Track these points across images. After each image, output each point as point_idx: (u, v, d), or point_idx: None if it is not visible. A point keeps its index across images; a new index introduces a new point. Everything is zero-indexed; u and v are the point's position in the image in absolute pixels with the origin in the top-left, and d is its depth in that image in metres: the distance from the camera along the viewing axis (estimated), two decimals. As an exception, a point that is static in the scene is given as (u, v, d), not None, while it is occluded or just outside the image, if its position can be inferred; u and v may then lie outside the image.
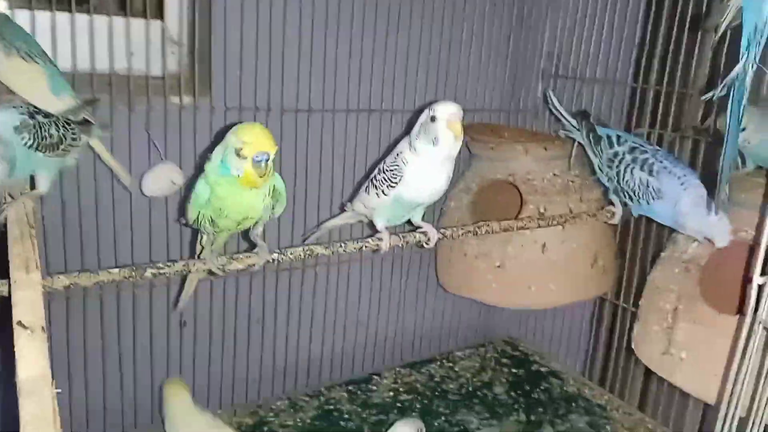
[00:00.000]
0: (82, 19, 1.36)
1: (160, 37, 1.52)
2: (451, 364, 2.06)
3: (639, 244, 1.81)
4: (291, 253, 1.07)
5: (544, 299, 1.75)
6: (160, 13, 1.56)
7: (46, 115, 1.11)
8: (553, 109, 1.64)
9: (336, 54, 1.68)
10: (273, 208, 1.05)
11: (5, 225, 0.85)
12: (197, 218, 1.04)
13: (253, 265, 1.04)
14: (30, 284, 0.71)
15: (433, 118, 1.06)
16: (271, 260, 1.05)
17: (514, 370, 2.05)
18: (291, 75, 1.63)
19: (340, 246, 1.10)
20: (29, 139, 1.04)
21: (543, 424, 1.77)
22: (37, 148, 1.05)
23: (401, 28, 1.76)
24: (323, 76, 1.68)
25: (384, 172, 1.16)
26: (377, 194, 1.17)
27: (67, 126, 1.14)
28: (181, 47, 1.59)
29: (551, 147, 1.75)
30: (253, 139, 0.93)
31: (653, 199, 1.35)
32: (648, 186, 1.35)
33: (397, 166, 1.13)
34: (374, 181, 1.19)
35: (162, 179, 1.48)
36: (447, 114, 1.05)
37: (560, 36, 1.94)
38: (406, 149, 1.14)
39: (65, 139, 1.12)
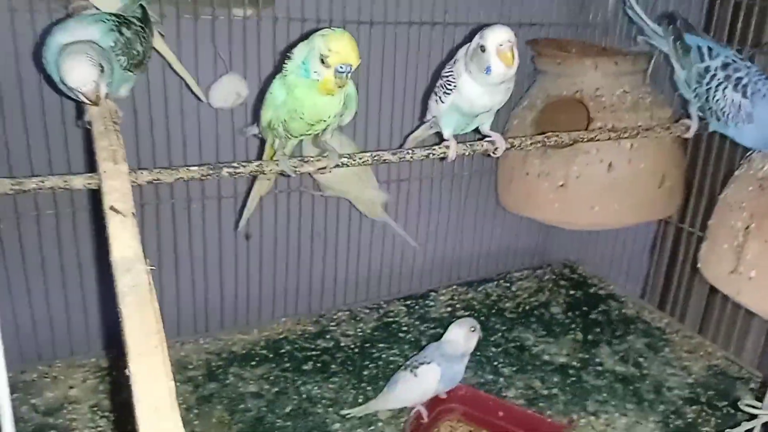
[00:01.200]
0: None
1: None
2: (508, 284, 2.08)
3: (709, 164, 1.75)
4: (360, 158, 1.07)
5: (607, 220, 1.72)
6: None
7: (128, 25, 1.09)
8: (632, 13, 1.51)
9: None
10: (343, 115, 1.06)
11: (90, 123, 0.88)
12: (270, 121, 1.05)
13: (324, 167, 1.06)
14: (119, 174, 0.74)
15: (482, 48, 1.02)
16: (340, 164, 1.06)
17: (571, 292, 2.05)
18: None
19: (408, 153, 1.10)
20: (123, 59, 1.04)
21: (599, 344, 1.78)
22: (128, 68, 1.06)
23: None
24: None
25: (441, 78, 1.14)
26: (436, 101, 1.15)
27: (144, 36, 1.13)
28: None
29: (622, 62, 1.68)
30: (341, 49, 0.93)
31: (743, 123, 1.27)
32: (740, 109, 1.26)
33: (452, 73, 1.10)
34: (435, 88, 1.17)
35: (227, 91, 1.50)
36: (497, 43, 1.01)
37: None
38: (461, 60, 1.10)
39: (147, 52, 1.12)
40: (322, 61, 0.94)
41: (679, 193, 1.77)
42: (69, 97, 1.02)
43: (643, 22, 1.50)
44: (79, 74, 0.91)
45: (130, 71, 1.07)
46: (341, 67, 0.94)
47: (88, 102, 0.92)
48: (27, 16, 1.30)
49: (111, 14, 1.07)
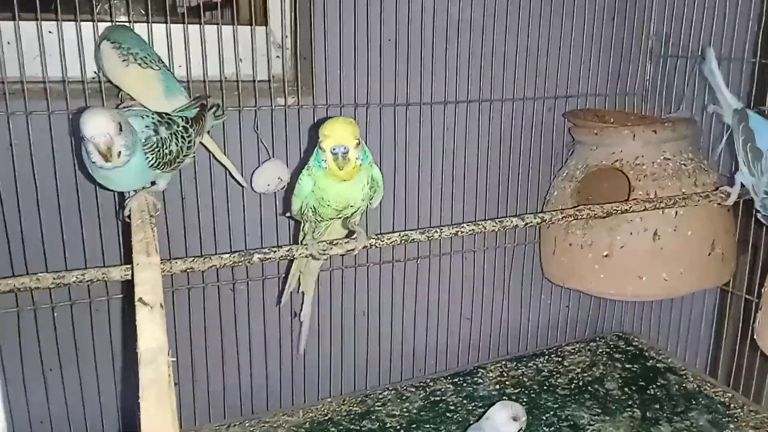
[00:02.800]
0: (194, 29, 1.47)
1: (265, 42, 1.61)
2: (559, 359, 2.02)
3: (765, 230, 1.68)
4: (388, 239, 1.09)
5: (656, 290, 1.67)
6: (264, 20, 1.65)
7: (168, 126, 1.15)
8: (709, 74, 1.40)
9: (433, 47, 1.70)
10: (371, 198, 1.09)
11: (129, 216, 0.94)
12: (300, 208, 1.09)
13: (353, 249, 1.08)
14: (150, 266, 0.78)
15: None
16: (368, 246, 1.08)
17: (627, 366, 1.97)
18: (389, 70, 1.66)
19: (435, 231, 1.11)
20: (152, 159, 1.09)
21: (660, 421, 1.69)
22: (156, 167, 1.11)
23: (498, 15, 1.74)
24: (420, 70, 1.70)
25: None
26: None
27: (183, 137, 1.18)
28: (284, 51, 1.67)
29: (661, 129, 1.66)
30: (331, 132, 0.97)
31: None
32: None
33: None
34: None
35: (270, 176, 1.56)
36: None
37: (669, 12, 1.84)
38: None
39: (182, 152, 1.16)
40: (321, 147, 0.98)
41: (732, 259, 1.71)
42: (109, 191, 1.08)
43: (717, 88, 1.41)
44: (96, 125, 0.96)
45: (159, 169, 1.11)
46: (334, 149, 0.97)
47: (100, 155, 0.97)
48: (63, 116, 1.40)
49: (154, 113, 1.14)
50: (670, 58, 1.87)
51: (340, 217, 1.11)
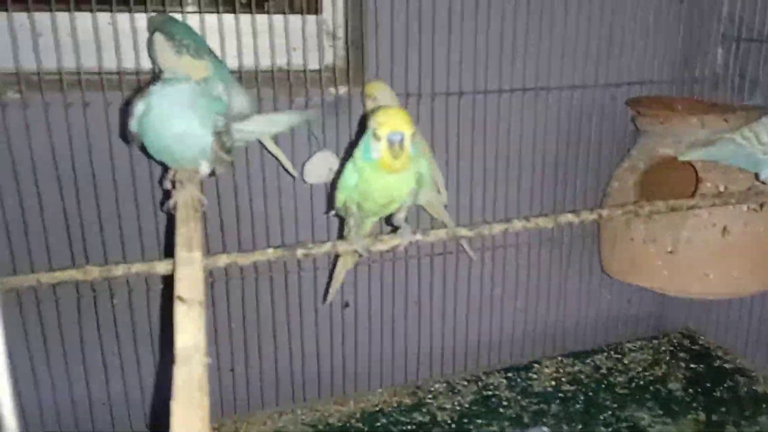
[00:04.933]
0: (245, 19, 1.47)
1: (316, 31, 1.59)
2: (619, 356, 1.94)
3: None
4: (434, 234, 1.07)
5: (724, 288, 1.58)
6: (316, 9, 1.63)
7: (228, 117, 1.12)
8: None
9: (487, 34, 1.64)
10: (417, 194, 1.06)
11: (174, 208, 0.95)
12: (344, 203, 1.07)
13: (397, 245, 1.06)
14: (191, 262, 0.78)
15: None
16: (414, 241, 1.06)
17: (692, 366, 1.88)
18: (441, 59, 1.62)
19: (485, 227, 1.07)
20: (216, 147, 1.05)
21: (726, 425, 1.61)
22: (215, 133, 1.09)
23: (557, -1, 1.67)
24: (474, 58, 1.65)
25: None
26: None
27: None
28: (336, 40, 1.65)
29: (733, 118, 1.56)
30: (387, 119, 0.95)
31: None
32: None
33: None
34: None
35: (321, 167, 1.55)
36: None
37: (743, -7, 1.72)
38: None
39: (232, 153, 1.13)
40: (375, 136, 0.96)
41: (810, 256, 1.59)
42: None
43: None
44: None
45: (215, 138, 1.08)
46: (391, 135, 0.94)
47: None
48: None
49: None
50: (743, 42, 1.75)
51: (384, 214, 1.09)
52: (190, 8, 1.50)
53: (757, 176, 1.32)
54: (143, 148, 1.06)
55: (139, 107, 0.99)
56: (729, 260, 1.54)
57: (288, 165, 1.48)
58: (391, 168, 0.97)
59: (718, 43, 1.83)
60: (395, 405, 1.73)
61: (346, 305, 1.74)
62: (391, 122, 0.94)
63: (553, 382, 1.82)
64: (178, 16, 1.42)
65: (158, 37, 1.29)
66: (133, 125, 1.01)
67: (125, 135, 1.06)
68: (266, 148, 1.47)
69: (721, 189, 1.52)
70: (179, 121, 0.96)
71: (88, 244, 1.45)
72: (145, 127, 0.99)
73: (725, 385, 1.77)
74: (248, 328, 1.65)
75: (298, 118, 1.27)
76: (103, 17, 1.38)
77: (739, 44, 1.77)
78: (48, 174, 1.40)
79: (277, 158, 1.48)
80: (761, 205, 1.32)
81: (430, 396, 1.77)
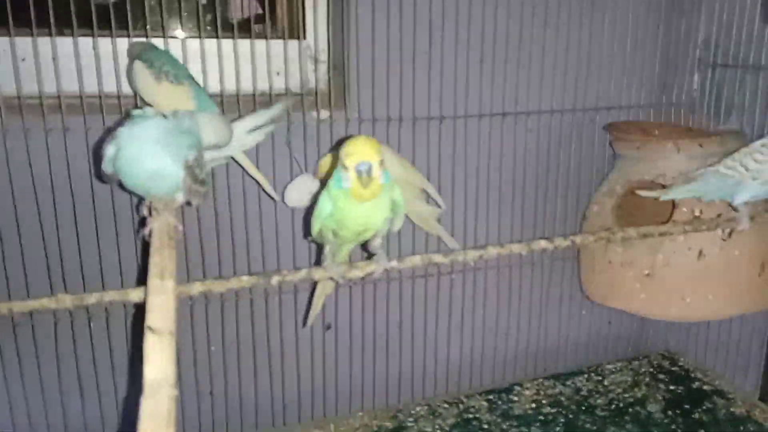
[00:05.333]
0: (227, 44, 1.48)
1: (298, 56, 1.61)
2: (599, 378, 1.95)
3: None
4: (409, 261, 1.07)
5: (701, 311, 1.59)
6: (299, 33, 1.65)
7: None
8: None
9: (467, 59, 1.66)
10: (392, 222, 1.07)
11: (150, 235, 0.95)
12: (320, 230, 1.08)
13: (372, 272, 1.06)
14: (163, 291, 0.79)
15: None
16: (389, 268, 1.06)
17: (671, 387, 1.89)
18: (422, 84, 1.64)
19: (460, 254, 1.08)
20: (188, 180, 1.05)
21: (704, 447, 1.62)
22: (186, 167, 1.10)
23: (536, 23, 1.70)
24: (454, 83, 1.67)
25: None
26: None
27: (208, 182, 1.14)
28: (319, 64, 1.67)
29: (708, 143, 1.59)
30: (354, 149, 0.95)
31: None
32: None
33: None
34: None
35: (302, 190, 1.55)
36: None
37: (719, 19, 1.76)
38: None
39: (206, 185, 1.12)
40: (344, 166, 0.96)
41: (785, 280, 1.62)
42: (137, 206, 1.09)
43: None
44: None
45: (191, 180, 1.08)
46: (359, 165, 0.95)
47: None
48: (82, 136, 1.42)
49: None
50: (718, 68, 1.78)
51: (360, 241, 1.09)
52: (172, 33, 1.51)
53: (730, 204, 1.34)
54: (120, 184, 1.06)
55: (110, 150, 1.00)
56: (705, 284, 1.56)
57: (268, 188, 1.49)
58: (362, 197, 0.98)
59: (694, 68, 1.86)
60: (376, 428, 1.72)
61: (328, 327, 1.74)
62: (359, 152, 0.95)
63: (534, 405, 1.82)
64: (160, 41, 1.43)
65: (138, 65, 1.30)
66: (106, 166, 1.02)
67: (100, 176, 1.06)
68: (247, 172, 1.47)
69: (697, 213, 1.54)
70: (149, 161, 0.97)
71: (66, 269, 1.44)
72: (117, 167, 1.00)
73: (704, 407, 1.78)
74: (228, 351, 1.64)
75: (264, 118, 1.27)
76: (85, 42, 1.39)
77: (714, 69, 1.81)
78: (27, 198, 1.39)
79: (257, 181, 1.49)
80: (729, 233, 1.35)
81: (410, 419, 1.76)
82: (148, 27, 1.45)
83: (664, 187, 1.57)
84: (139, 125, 0.98)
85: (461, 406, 1.82)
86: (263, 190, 1.50)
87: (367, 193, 0.97)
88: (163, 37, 1.45)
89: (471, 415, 1.78)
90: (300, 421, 1.75)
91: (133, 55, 1.33)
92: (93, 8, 1.35)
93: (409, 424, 1.74)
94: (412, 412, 1.79)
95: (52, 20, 1.31)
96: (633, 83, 1.85)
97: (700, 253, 1.55)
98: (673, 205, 1.59)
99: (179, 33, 1.60)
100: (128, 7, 1.39)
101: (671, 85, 1.88)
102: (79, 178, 1.41)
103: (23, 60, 1.36)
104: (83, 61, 1.38)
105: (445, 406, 1.82)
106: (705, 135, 1.65)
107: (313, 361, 1.74)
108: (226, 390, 1.67)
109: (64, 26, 1.37)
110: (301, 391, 1.75)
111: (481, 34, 1.66)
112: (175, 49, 1.44)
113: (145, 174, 0.98)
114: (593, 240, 1.15)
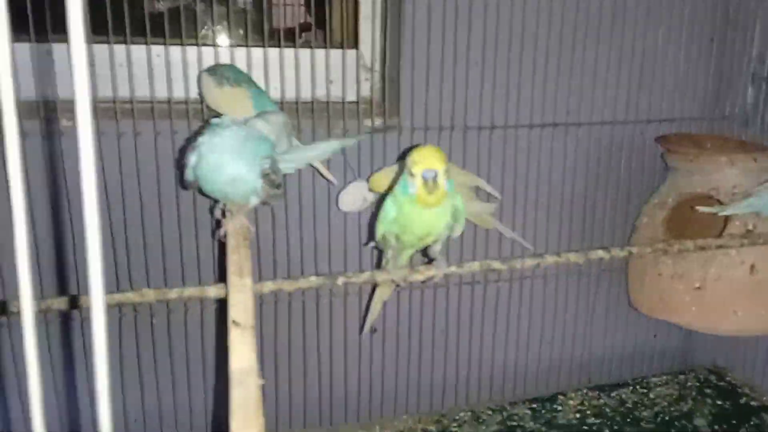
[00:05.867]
0: (289, 53, 1.53)
1: (355, 65, 1.65)
2: (645, 390, 1.95)
3: None
4: (468, 267, 1.10)
5: (752, 326, 1.59)
6: (355, 43, 1.70)
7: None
8: None
9: (519, 69, 1.69)
10: (452, 228, 1.10)
11: (225, 236, 1.00)
12: (383, 235, 1.12)
13: (433, 276, 1.10)
14: (243, 288, 0.83)
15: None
16: (449, 273, 1.09)
17: (719, 402, 1.87)
18: (474, 94, 1.67)
19: (518, 261, 1.11)
20: (265, 186, 1.09)
21: (752, 464, 1.60)
22: (263, 175, 1.13)
23: (588, 34, 1.71)
24: (506, 93, 1.69)
25: None
26: None
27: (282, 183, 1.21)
28: (373, 73, 1.71)
29: (762, 157, 1.58)
30: (421, 158, 1.00)
31: None
32: None
33: None
34: None
35: (356, 196, 1.60)
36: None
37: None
38: None
39: (281, 188, 1.18)
40: (411, 173, 1.01)
41: (839, 297, 1.60)
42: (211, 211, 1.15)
43: None
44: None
45: (266, 184, 1.12)
46: (425, 173, 0.99)
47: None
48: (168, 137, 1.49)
49: None
50: (774, 82, 1.77)
51: (421, 246, 1.13)
52: (237, 42, 1.57)
53: None
54: (199, 189, 1.12)
55: (191, 159, 1.06)
56: (757, 298, 1.55)
57: (326, 173, 1.53)
58: (427, 203, 1.02)
59: (748, 82, 1.85)
60: (420, 431, 1.75)
61: (374, 331, 1.78)
62: (425, 161, 1.00)
63: (578, 415, 1.83)
64: (225, 50, 1.50)
65: (203, 75, 1.37)
66: (188, 174, 1.08)
67: (183, 183, 1.13)
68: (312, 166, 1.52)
69: (750, 227, 1.54)
70: (229, 169, 1.03)
71: (150, 267, 1.52)
72: (198, 175, 1.06)
73: (751, 423, 1.76)
74: (279, 351, 1.69)
75: (338, 146, 1.32)
76: (156, 50, 1.46)
77: (768, 84, 1.80)
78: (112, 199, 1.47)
79: (319, 170, 1.53)
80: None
81: (454, 424, 1.78)
82: (214, 35, 1.52)
83: (719, 201, 1.57)
84: (219, 135, 1.03)
85: (505, 413, 1.83)
86: (321, 174, 1.54)
87: (432, 200, 1.01)
88: (230, 46, 1.52)
89: (514, 423, 1.79)
90: (346, 421, 1.79)
91: (204, 71, 1.40)
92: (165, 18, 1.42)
93: (453, 429, 1.76)
94: (456, 417, 1.81)
95: (127, 29, 1.39)
96: (686, 96, 1.85)
97: (752, 267, 1.54)
98: (726, 219, 1.59)
99: (244, 42, 1.67)
100: (196, 17, 1.45)
101: (724, 98, 1.88)
102: (154, 181, 1.48)
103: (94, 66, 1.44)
104: (155, 68, 1.45)
105: (489, 412, 1.84)
106: (759, 149, 1.64)
107: (361, 363, 1.78)
108: (276, 387, 1.72)
109: (137, 34, 1.44)
110: (348, 392, 1.78)
111: (534, 45, 1.68)
112: (239, 59, 1.50)
113: (225, 181, 1.03)
114: (650, 251, 1.17)
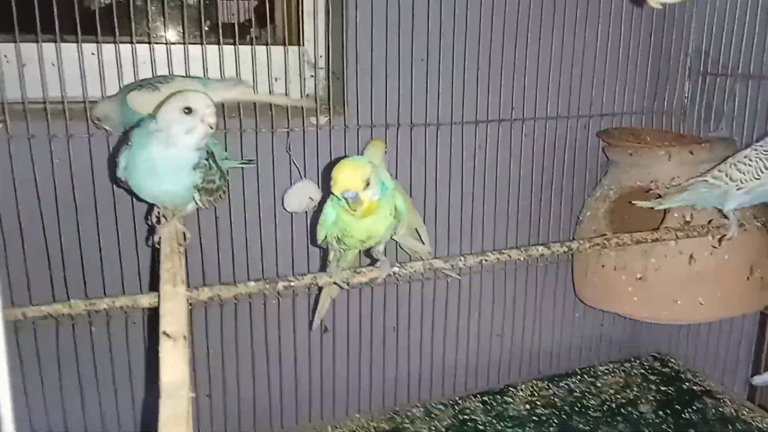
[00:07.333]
0: (228, 50, 1.50)
1: (298, 62, 1.63)
2: (592, 379, 1.99)
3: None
4: (411, 267, 1.10)
5: (691, 314, 1.63)
6: (298, 40, 1.67)
7: (214, 160, 1.14)
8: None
9: (464, 66, 1.69)
10: (395, 227, 1.09)
11: (159, 243, 0.97)
12: (325, 237, 1.10)
13: (376, 278, 1.09)
14: (176, 296, 0.81)
15: None
16: (392, 274, 1.09)
17: (663, 388, 1.93)
18: (420, 90, 1.66)
19: (460, 259, 1.11)
20: (199, 180, 1.06)
21: (694, 447, 1.65)
22: (197, 190, 1.09)
23: (531, 32, 1.73)
24: (451, 89, 1.70)
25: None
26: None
27: (225, 180, 1.19)
28: (317, 70, 1.69)
29: (698, 150, 1.63)
30: (339, 179, 0.97)
31: None
32: None
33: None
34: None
35: (302, 196, 1.58)
36: None
37: (709, 29, 1.80)
38: None
39: (221, 189, 1.15)
40: (332, 191, 0.99)
41: (773, 284, 1.66)
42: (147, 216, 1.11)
43: None
44: (205, 99, 1.01)
45: (198, 192, 1.09)
46: (344, 194, 0.97)
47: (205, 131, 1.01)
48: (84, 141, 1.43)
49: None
50: (709, 76, 1.82)
51: (364, 247, 1.12)
52: (172, 39, 1.52)
53: (720, 210, 1.38)
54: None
55: (122, 161, 1.02)
56: (696, 287, 1.59)
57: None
58: (357, 217, 1.00)
59: (685, 77, 1.90)
60: (373, 430, 1.75)
61: (325, 330, 1.76)
62: (342, 182, 0.97)
63: (528, 406, 1.85)
64: (162, 47, 1.45)
65: (131, 95, 1.31)
66: (120, 173, 1.04)
67: (116, 179, 1.08)
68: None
69: (688, 219, 1.58)
70: (160, 181, 0.99)
71: (69, 276, 1.46)
72: (129, 180, 1.02)
73: (694, 407, 1.82)
74: (226, 353, 1.66)
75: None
76: (89, 48, 1.41)
77: (705, 78, 1.85)
78: (30, 205, 1.41)
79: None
80: (719, 240, 1.39)
81: (407, 421, 1.79)
82: (150, 32, 1.47)
83: (658, 196, 1.61)
84: (147, 145, 0.99)
85: (456, 407, 1.85)
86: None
87: (359, 214, 0.99)
88: (166, 43, 1.47)
89: (466, 417, 1.81)
90: (297, 423, 1.77)
91: (122, 95, 1.34)
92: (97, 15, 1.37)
93: (406, 426, 1.77)
94: (409, 413, 1.82)
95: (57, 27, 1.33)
96: (626, 91, 1.89)
97: (691, 257, 1.59)
98: (665, 211, 1.62)
99: (181, 39, 1.62)
100: (131, 14, 1.40)
101: (662, 92, 1.92)
102: (89, 185, 1.43)
103: (26, 65, 1.38)
104: (87, 66, 1.40)
105: (441, 407, 1.85)
106: (696, 142, 1.69)
107: (311, 364, 1.76)
108: (224, 393, 1.69)
109: (67, 33, 1.39)
110: (299, 394, 1.77)
111: (478, 42, 1.69)
112: (177, 57, 1.45)
113: (155, 192, 1.00)
114: (588, 246, 1.18)
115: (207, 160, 1.04)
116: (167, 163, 0.99)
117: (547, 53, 1.77)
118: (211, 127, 1.00)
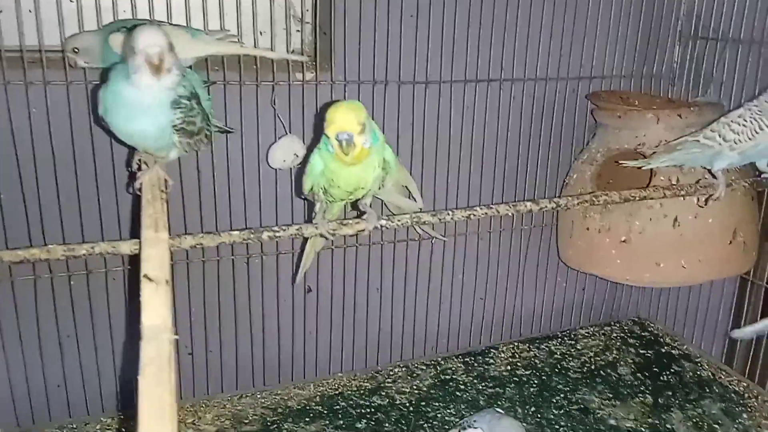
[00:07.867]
0: (213, 1, 1.45)
1: (284, 15, 1.59)
2: (572, 342, 2.01)
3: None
4: (398, 220, 1.09)
5: (674, 277, 1.65)
6: (284, -8, 1.63)
7: (198, 102, 1.11)
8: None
9: (454, 25, 1.66)
10: (383, 179, 1.08)
11: (140, 189, 0.94)
12: (311, 188, 1.08)
13: (363, 230, 1.07)
14: (157, 242, 0.79)
15: None
16: (379, 226, 1.08)
17: (641, 351, 1.95)
18: (409, 48, 1.63)
19: (447, 214, 1.10)
20: (177, 120, 1.03)
21: (671, 408, 1.68)
22: (176, 129, 1.06)
23: (522, -8, 1.70)
24: (440, 48, 1.67)
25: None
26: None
27: (209, 123, 1.16)
28: (304, 25, 1.65)
29: (687, 114, 1.62)
30: (336, 118, 0.95)
31: None
32: None
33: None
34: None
35: (286, 152, 1.55)
36: None
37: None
38: None
39: (203, 131, 1.12)
40: (326, 134, 0.96)
41: (753, 248, 1.68)
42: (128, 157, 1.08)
43: None
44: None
45: (177, 132, 1.06)
46: (338, 135, 0.95)
47: (150, 68, 0.95)
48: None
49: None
50: (699, 40, 1.81)
51: (351, 199, 1.10)
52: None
53: (710, 170, 1.38)
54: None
55: (101, 100, 0.99)
56: (679, 250, 1.61)
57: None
58: (347, 163, 0.98)
59: (675, 40, 1.89)
60: (354, 389, 1.75)
61: (309, 290, 1.76)
62: (339, 122, 0.95)
63: (509, 367, 1.87)
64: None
65: (114, 37, 1.26)
66: (101, 112, 1.00)
67: (98, 120, 1.04)
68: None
69: (674, 181, 1.58)
70: (133, 120, 0.96)
71: (47, 224, 1.43)
72: (108, 121, 0.99)
73: (672, 370, 1.85)
74: (209, 312, 1.65)
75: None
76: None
77: (695, 42, 1.84)
78: (6, 153, 1.37)
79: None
80: (706, 200, 1.39)
81: (389, 380, 1.80)
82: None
83: (644, 156, 1.61)
84: (119, 77, 0.95)
85: (438, 367, 1.86)
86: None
87: (349, 160, 0.97)
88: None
89: (448, 377, 1.82)
90: (280, 382, 1.77)
91: (102, 38, 1.29)
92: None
93: (388, 384, 1.77)
94: (391, 373, 1.83)
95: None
96: (615, 54, 1.87)
97: (675, 220, 1.59)
98: (652, 173, 1.63)
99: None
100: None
101: (652, 56, 1.91)
102: (68, 133, 1.39)
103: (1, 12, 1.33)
104: (65, 13, 1.35)
105: (423, 367, 1.86)
106: (684, 106, 1.69)
107: (294, 323, 1.76)
108: (206, 351, 1.68)
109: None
110: (282, 353, 1.76)
111: (468, 0, 1.66)
112: (160, 6, 1.41)
113: (136, 133, 0.97)
114: (577, 203, 1.18)
115: (189, 99, 1.01)
116: (136, 101, 0.96)
117: (539, 13, 1.74)
118: (154, 64, 0.96)
